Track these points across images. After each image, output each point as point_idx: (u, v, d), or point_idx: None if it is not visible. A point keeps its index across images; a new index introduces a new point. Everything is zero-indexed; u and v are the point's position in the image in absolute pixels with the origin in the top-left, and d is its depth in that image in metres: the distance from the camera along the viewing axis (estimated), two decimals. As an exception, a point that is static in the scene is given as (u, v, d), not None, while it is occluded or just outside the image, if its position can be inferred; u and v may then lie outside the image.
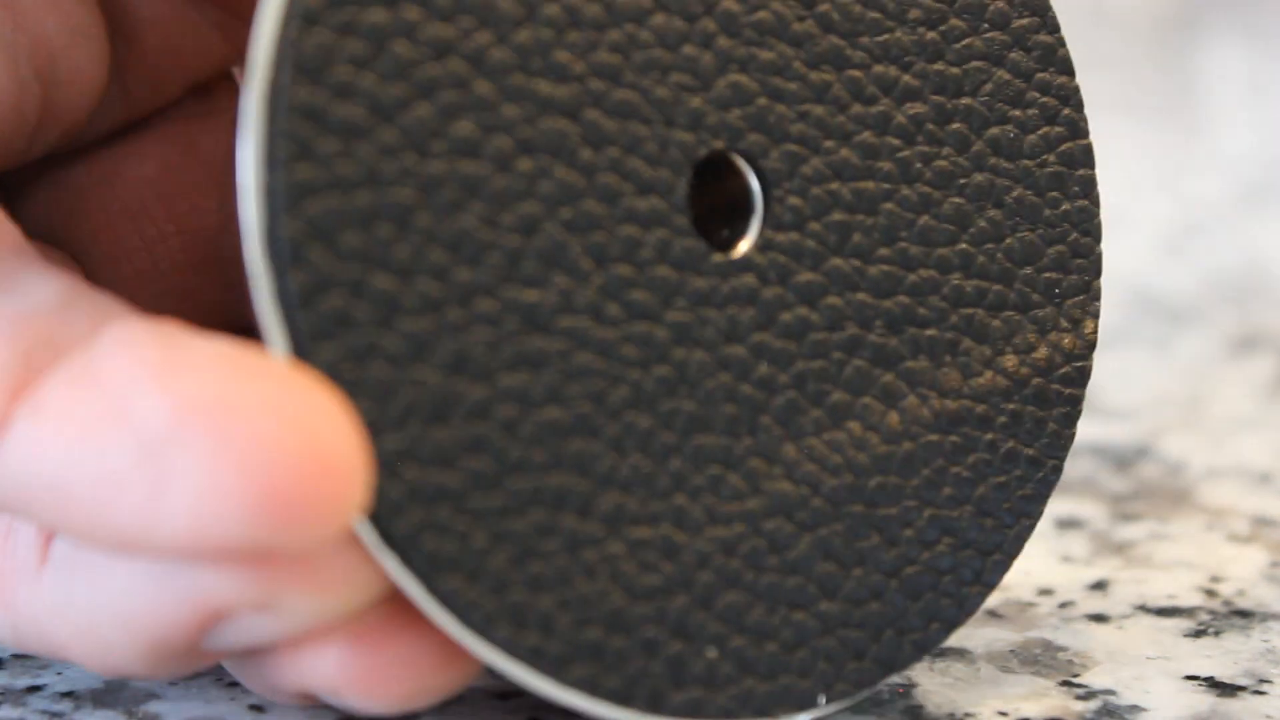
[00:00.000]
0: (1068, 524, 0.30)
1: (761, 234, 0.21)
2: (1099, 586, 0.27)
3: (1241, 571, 0.28)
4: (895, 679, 0.23)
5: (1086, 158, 0.23)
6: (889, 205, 0.22)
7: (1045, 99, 0.23)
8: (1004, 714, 0.23)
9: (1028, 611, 0.26)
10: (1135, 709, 0.23)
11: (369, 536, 0.19)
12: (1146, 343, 0.43)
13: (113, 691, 0.23)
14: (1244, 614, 0.26)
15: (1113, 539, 0.29)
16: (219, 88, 0.25)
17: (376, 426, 0.19)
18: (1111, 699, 0.23)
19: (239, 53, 0.24)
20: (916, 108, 0.22)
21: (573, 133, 0.20)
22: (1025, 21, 0.23)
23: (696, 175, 0.21)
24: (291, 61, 0.18)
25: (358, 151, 0.19)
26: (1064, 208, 0.23)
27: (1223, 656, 0.24)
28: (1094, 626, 0.25)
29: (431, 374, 0.19)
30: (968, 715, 0.22)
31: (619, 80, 0.20)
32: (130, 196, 0.24)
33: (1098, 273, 0.23)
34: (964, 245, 0.22)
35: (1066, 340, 0.23)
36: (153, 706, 0.22)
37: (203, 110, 0.25)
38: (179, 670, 0.20)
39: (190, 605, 0.19)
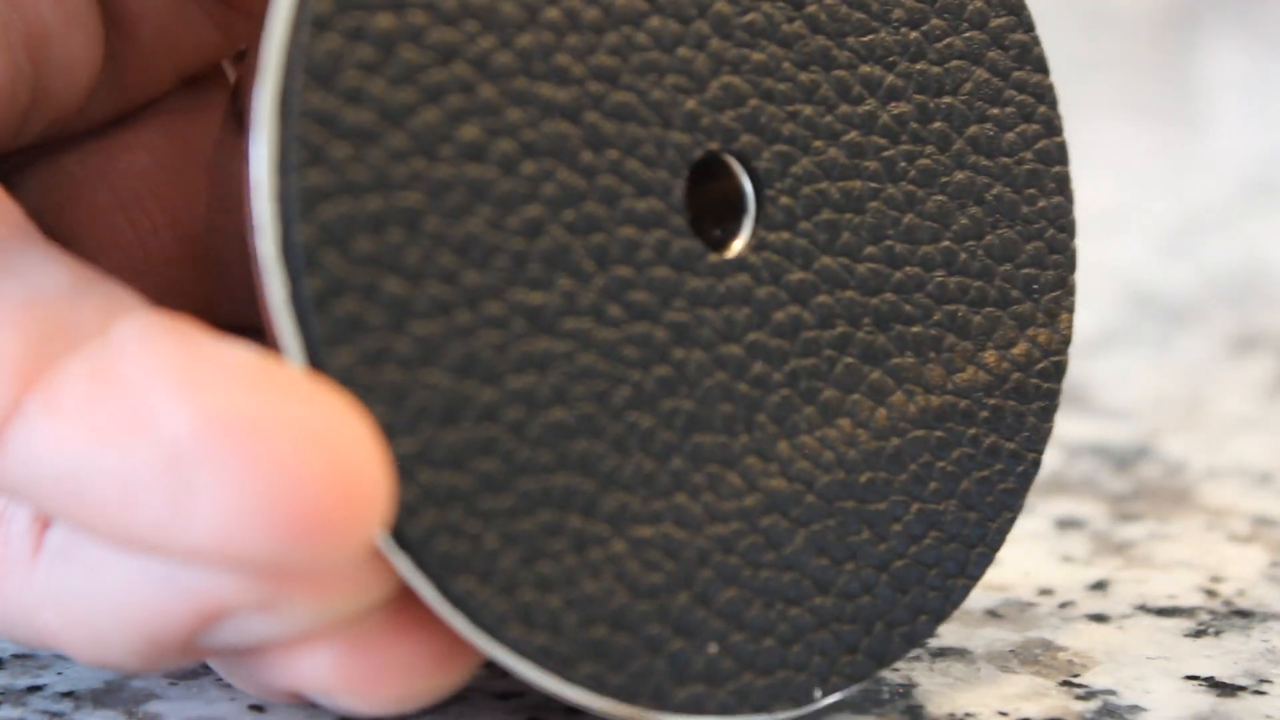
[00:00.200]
0: (1068, 524, 0.30)
1: (755, 234, 0.21)
2: (1099, 586, 0.27)
3: (1241, 571, 0.28)
4: (896, 679, 0.23)
5: (1061, 154, 0.24)
6: (875, 204, 0.22)
7: (1022, 97, 0.24)
8: (1004, 714, 0.23)
9: (1028, 611, 0.26)
10: (1135, 709, 0.23)
11: (381, 539, 0.19)
12: (1146, 343, 0.43)
13: (113, 691, 0.23)
14: (1244, 614, 0.26)
15: (1113, 539, 0.29)
16: (210, 80, 0.25)
17: (391, 430, 0.19)
18: (1111, 699, 0.23)
19: (232, 44, 0.24)
20: (900, 107, 0.23)
21: (574, 135, 0.20)
22: (1002, 20, 0.23)
23: (693, 173, 0.21)
24: (303, 67, 0.19)
25: (368, 156, 0.19)
26: (1040, 204, 0.24)
27: (1223, 656, 0.24)
28: (1094, 626, 0.25)
29: (442, 377, 0.19)
30: (968, 715, 0.22)
31: (617, 83, 0.20)
32: (123, 188, 0.24)
33: (1073, 268, 0.24)
34: (947, 243, 0.23)
35: (1043, 335, 0.23)
36: (153, 706, 0.22)
37: (195, 103, 0.25)
38: (169, 665, 0.20)
39: (190, 603, 0.19)
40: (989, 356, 0.23)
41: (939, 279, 0.23)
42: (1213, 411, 0.37)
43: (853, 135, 0.22)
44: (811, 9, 0.22)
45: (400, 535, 0.19)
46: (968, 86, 0.23)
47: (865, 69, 0.22)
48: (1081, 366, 0.40)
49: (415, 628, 0.19)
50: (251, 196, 0.19)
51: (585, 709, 0.20)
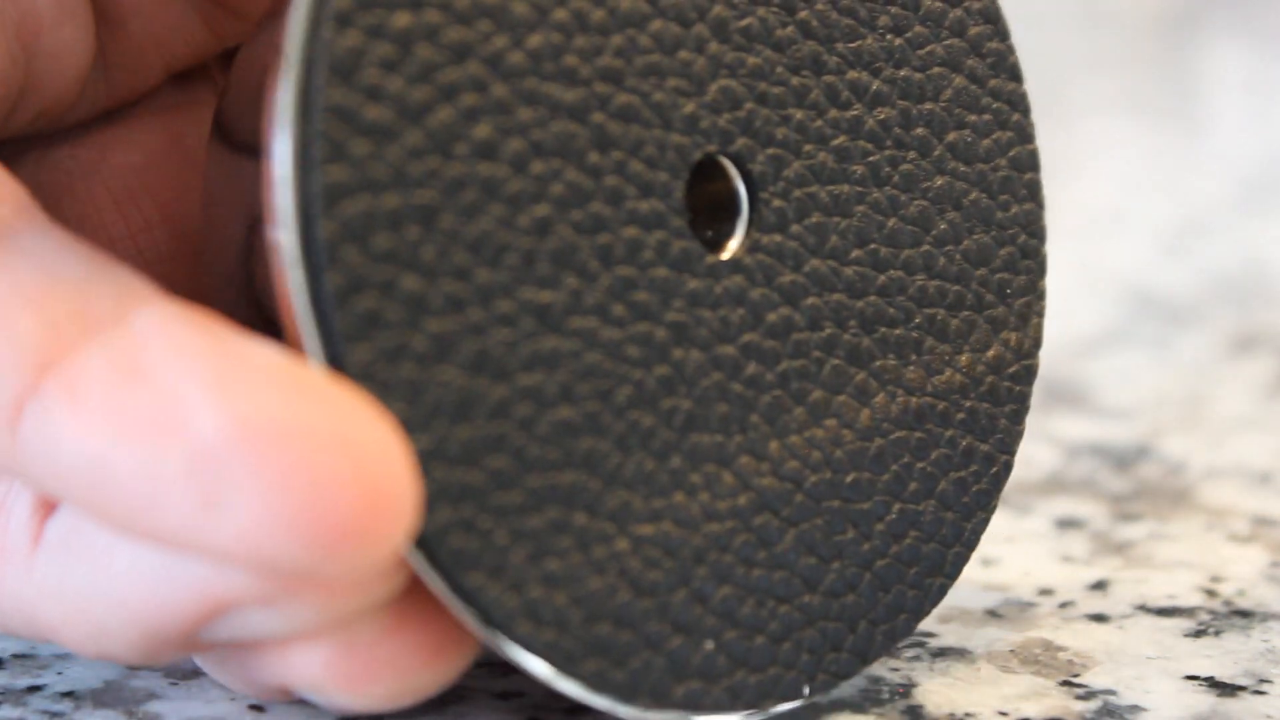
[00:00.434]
0: (1068, 524, 0.30)
1: (749, 236, 0.22)
2: (1099, 586, 0.27)
3: (1241, 571, 0.28)
4: (896, 679, 0.23)
5: (1033, 161, 0.24)
6: (861, 208, 0.23)
7: (998, 104, 0.24)
8: (1004, 714, 0.23)
9: (1028, 611, 0.26)
10: (1135, 709, 0.23)
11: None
12: (1146, 343, 0.43)
13: (113, 691, 0.23)
14: (1244, 614, 0.26)
15: (1113, 539, 0.29)
16: (201, 78, 0.25)
17: (408, 426, 0.19)
18: (1111, 699, 0.23)
19: (220, 42, 0.24)
20: (885, 112, 0.23)
21: (581, 136, 0.20)
22: (980, 29, 0.24)
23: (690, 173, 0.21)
24: (326, 63, 0.19)
25: (387, 153, 0.19)
26: (1013, 210, 0.24)
27: (1223, 656, 0.24)
28: (1094, 626, 0.25)
29: (456, 374, 0.19)
30: (968, 715, 0.22)
31: (622, 84, 0.21)
32: (116, 184, 0.24)
33: (1043, 273, 0.24)
34: (927, 247, 0.23)
35: (1015, 339, 0.24)
36: (153, 706, 0.22)
37: (185, 100, 0.25)
38: (167, 659, 0.20)
39: (194, 597, 0.19)
40: (965, 359, 0.23)
41: (920, 282, 0.23)
42: (1213, 411, 0.37)
43: (841, 139, 0.22)
44: (803, 14, 0.22)
45: (415, 530, 0.19)
46: (948, 93, 0.23)
47: (853, 74, 0.23)
48: (1081, 366, 0.40)
49: (406, 625, 0.19)
50: (274, 191, 0.19)
51: (588, 705, 0.20)
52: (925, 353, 0.23)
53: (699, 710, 0.21)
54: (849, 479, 0.22)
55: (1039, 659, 0.24)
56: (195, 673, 0.23)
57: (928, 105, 0.23)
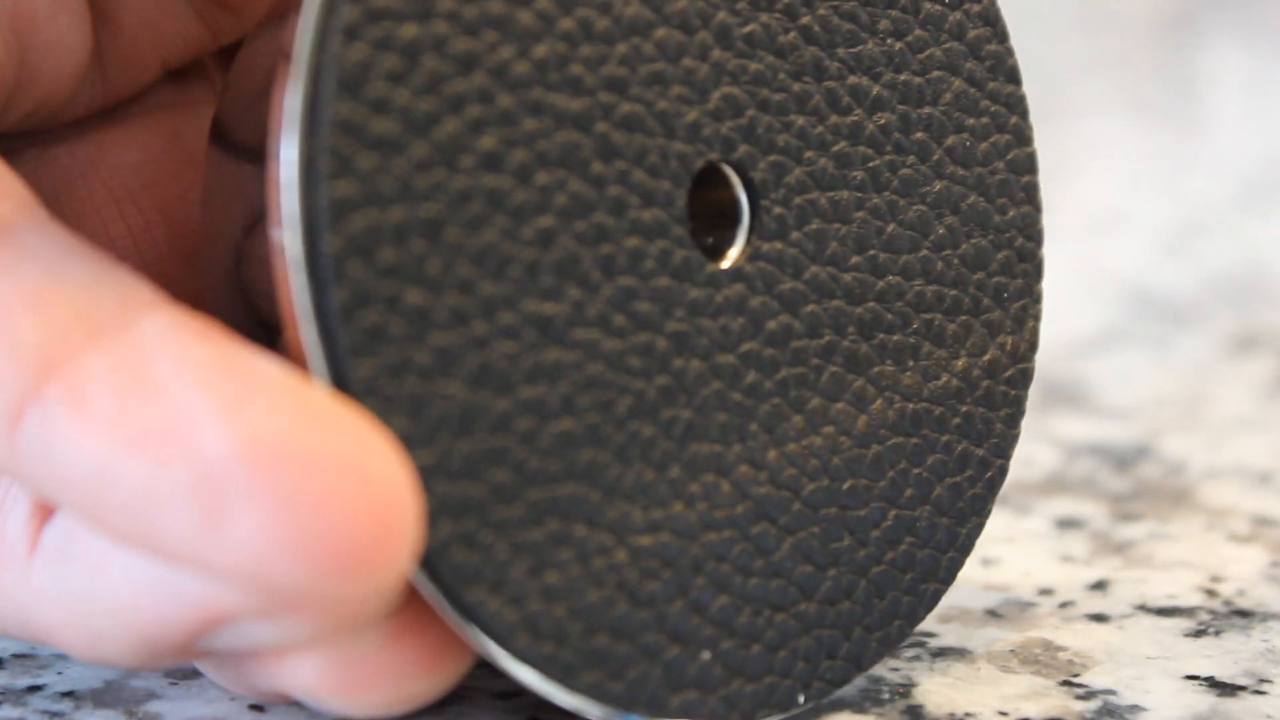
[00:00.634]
0: (1068, 524, 0.30)
1: (750, 243, 0.22)
2: (1099, 586, 0.27)
3: (1241, 571, 0.28)
4: (896, 679, 0.23)
5: (1030, 164, 0.24)
6: (861, 214, 0.23)
7: (996, 107, 0.24)
8: (1004, 714, 0.23)
9: (1028, 611, 0.26)
10: (1135, 709, 0.23)
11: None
12: (1146, 343, 0.43)
13: (113, 691, 0.23)
14: (1244, 614, 0.26)
15: (1113, 539, 0.29)
16: (198, 77, 0.25)
17: (410, 441, 0.19)
18: (1111, 699, 0.23)
19: (216, 39, 0.24)
20: (885, 117, 0.23)
21: (585, 145, 0.20)
22: (979, 32, 0.24)
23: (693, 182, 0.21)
24: (335, 76, 0.19)
25: (393, 166, 0.19)
26: (1010, 214, 0.24)
27: (1223, 656, 0.24)
28: (1094, 626, 0.25)
29: (459, 388, 0.19)
30: (968, 715, 0.22)
31: (626, 93, 0.21)
32: (115, 182, 0.24)
33: (1040, 276, 0.24)
34: (925, 252, 0.23)
35: (1011, 343, 0.24)
36: (153, 706, 0.22)
37: (183, 99, 0.25)
38: (166, 664, 0.20)
39: (191, 609, 0.19)
40: (961, 364, 0.23)
41: (918, 287, 0.23)
42: (1213, 411, 0.37)
43: (841, 145, 0.22)
44: (806, 20, 0.22)
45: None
46: (947, 97, 0.23)
47: (854, 80, 0.22)
48: (1081, 366, 0.40)
49: (403, 635, 0.19)
50: (281, 206, 0.19)
51: (585, 716, 0.20)
52: (922, 358, 0.23)
53: (694, 719, 0.21)
54: (846, 486, 0.22)
55: (1039, 659, 0.24)
56: (195, 673, 0.23)
57: (927, 109, 0.23)
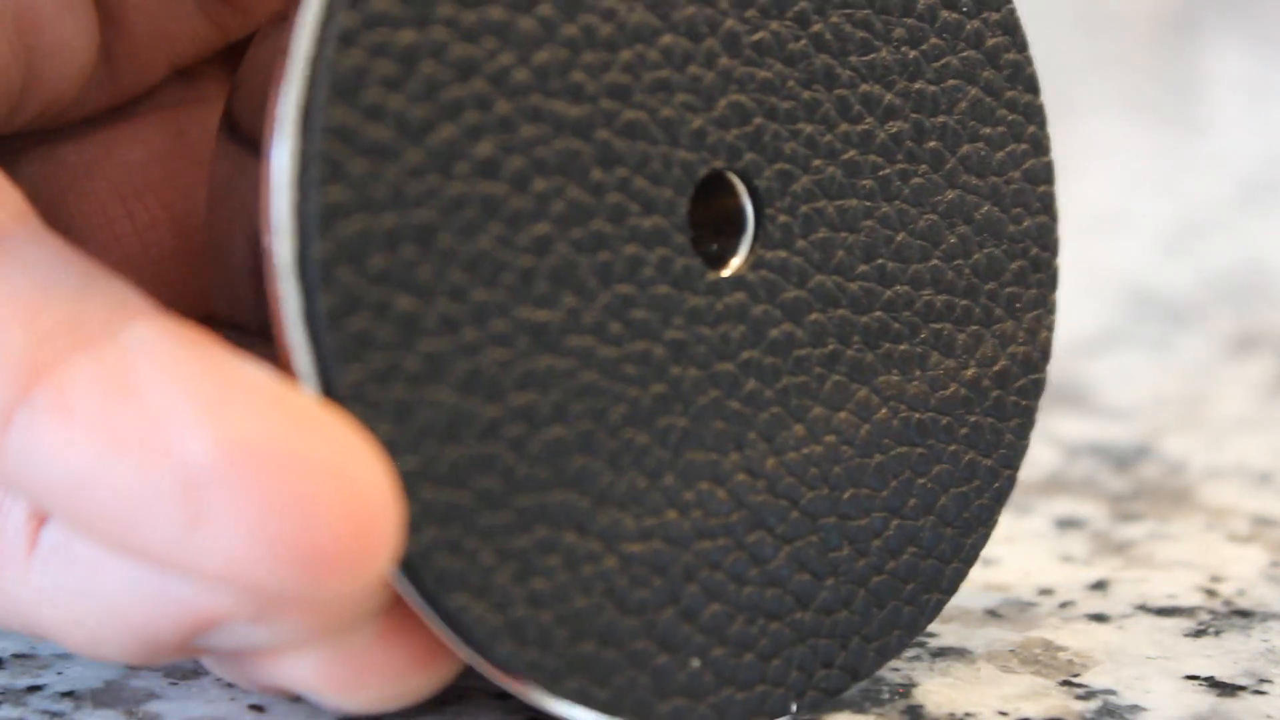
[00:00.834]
0: (1068, 524, 0.30)
1: (753, 252, 0.22)
2: (1099, 586, 0.27)
3: (1241, 571, 0.28)
4: (896, 679, 0.23)
5: (1048, 174, 0.24)
6: (869, 222, 0.22)
7: (1013, 116, 0.24)
8: (1004, 714, 0.23)
9: (1028, 611, 0.26)
10: (1135, 709, 0.23)
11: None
12: (1146, 343, 0.43)
13: (113, 691, 0.23)
14: (1244, 614, 0.26)
15: (1113, 539, 0.29)
16: (204, 74, 0.25)
17: (395, 447, 0.19)
18: (1111, 699, 0.23)
19: (224, 37, 0.24)
20: (898, 125, 0.23)
21: (585, 153, 0.20)
22: (997, 40, 0.24)
23: (694, 193, 0.21)
24: (328, 82, 0.19)
25: (386, 173, 0.19)
26: (1025, 224, 0.24)
27: (1223, 656, 0.24)
28: (1094, 626, 0.25)
29: (447, 394, 0.19)
30: (968, 715, 0.22)
31: (629, 100, 0.21)
32: (122, 179, 0.24)
33: (1054, 287, 0.24)
34: (936, 261, 0.23)
35: (1023, 353, 0.24)
36: (153, 706, 0.22)
37: (190, 97, 0.25)
38: (165, 661, 0.20)
39: (183, 611, 0.19)
40: (971, 374, 0.23)
41: (927, 297, 0.23)
42: (1213, 411, 0.37)
43: (851, 154, 0.22)
44: (817, 27, 0.22)
45: (400, 551, 0.19)
46: (962, 106, 0.23)
47: (866, 88, 0.22)
48: (1081, 366, 0.40)
49: (398, 631, 0.20)
50: (271, 210, 0.19)
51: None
52: (930, 368, 0.23)
53: None
54: (847, 495, 0.22)
55: (1039, 659, 0.24)
56: (195, 673, 0.23)
57: (941, 118, 0.23)
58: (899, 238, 0.23)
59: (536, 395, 0.20)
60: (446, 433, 0.19)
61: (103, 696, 0.22)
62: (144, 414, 0.18)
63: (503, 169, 0.20)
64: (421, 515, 0.19)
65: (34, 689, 0.23)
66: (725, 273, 0.21)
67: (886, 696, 0.23)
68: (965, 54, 0.23)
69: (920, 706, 0.23)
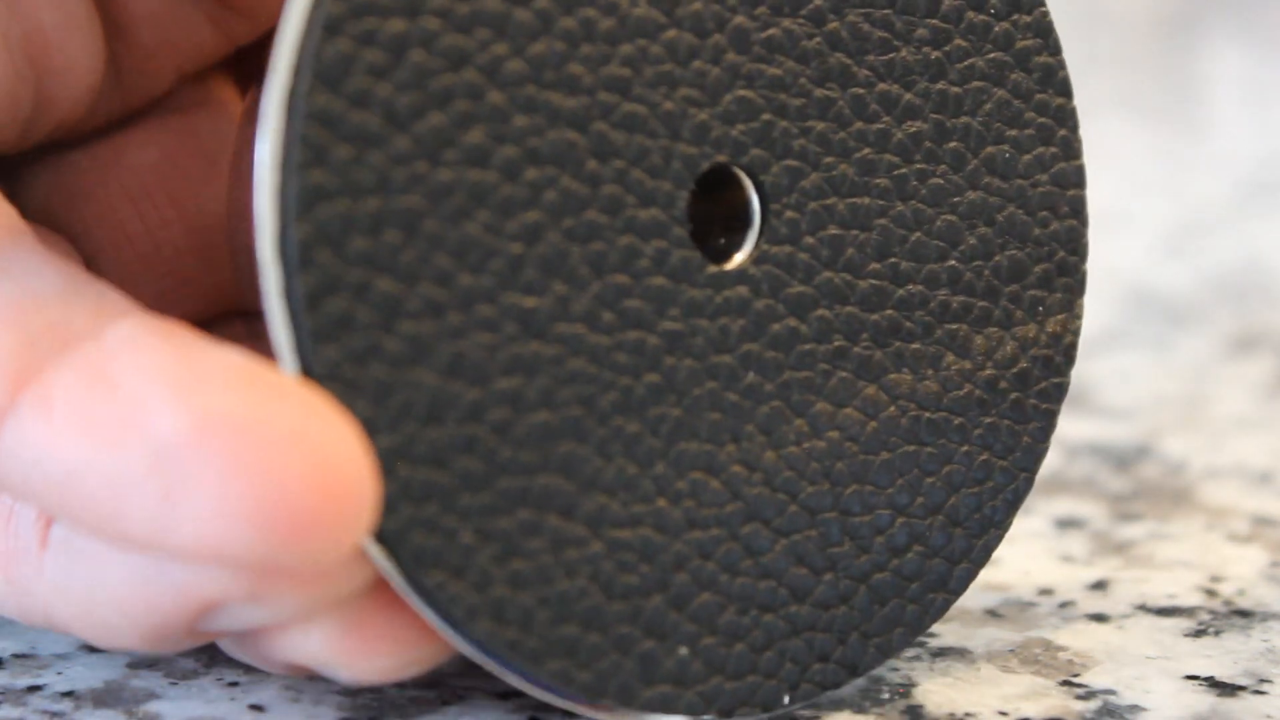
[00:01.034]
0: (1068, 524, 0.30)
1: (757, 246, 0.22)
2: (1099, 586, 0.27)
3: (1241, 571, 0.28)
4: (896, 679, 0.23)
5: (1079, 178, 0.24)
6: (883, 221, 0.22)
7: (1042, 119, 0.23)
8: (1004, 714, 0.23)
9: (1028, 611, 0.26)
10: (1135, 709, 0.23)
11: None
12: (1146, 343, 0.43)
13: (113, 691, 0.23)
14: (1244, 614, 0.26)
15: (1113, 539, 0.29)
16: (214, 77, 0.25)
17: (372, 426, 0.19)
18: (1111, 699, 0.23)
19: (230, 43, 0.24)
20: (916, 125, 0.23)
21: (581, 144, 0.20)
22: (1028, 43, 0.23)
23: (699, 183, 0.21)
24: (311, 69, 0.19)
25: (370, 159, 0.19)
26: (1053, 227, 0.24)
27: (1223, 656, 0.24)
28: (1094, 626, 0.25)
29: (429, 376, 0.19)
30: (968, 715, 0.22)
31: (629, 94, 0.21)
32: (132, 181, 0.24)
33: (1081, 291, 0.24)
34: (953, 262, 0.23)
35: (1045, 355, 0.23)
36: (153, 706, 0.22)
37: (200, 99, 0.25)
38: (179, 648, 0.20)
39: (182, 596, 0.19)
40: (988, 375, 0.23)
41: (943, 297, 0.23)
42: (1213, 411, 0.37)
43: (866, 152, 0.22)
44: (833, 26, 0.22)
45: (376, 528, 0.19)
46: (987, 107, 0.23)
47: (883, 87, 0.22)
48: (1082, 366, 0.40)
49: (404, 602, 0.20)
50: (254, 193, 0.19)
51: (551, 704, 0.20)
52: (944, 368, 0.23)
53: (669, 713, 0.21)
54: (849, 491, 0.22)
55: (1039, 659, 0.24)
56: (195, 673, 0.23)
57: (964, 119, 0.23)
58: (914, 237, 0.23)
59: (523, 380, 0.20)
60: (427, 414, 0.19)
61: (103, 696, 0.22)
62: (118, 400, 0.18)
63: (493, 157, 0.20)
64: (399, 493, 0.19)
65: (34, 689, 0.23)
66: (728, 267, 0.21)
67: (886, 696, 0.23)
68: (992, 56, 0.23)
69: (920, 706, 0.23)
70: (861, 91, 0.22)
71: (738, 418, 0.21)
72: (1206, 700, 0.23)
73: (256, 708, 0.22)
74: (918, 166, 0.23)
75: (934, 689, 0.23)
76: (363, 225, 0.19)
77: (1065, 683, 0.23)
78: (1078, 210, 0.24)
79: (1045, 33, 0.23)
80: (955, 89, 0.23)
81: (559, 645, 0.20)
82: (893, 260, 0.22)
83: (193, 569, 0.19)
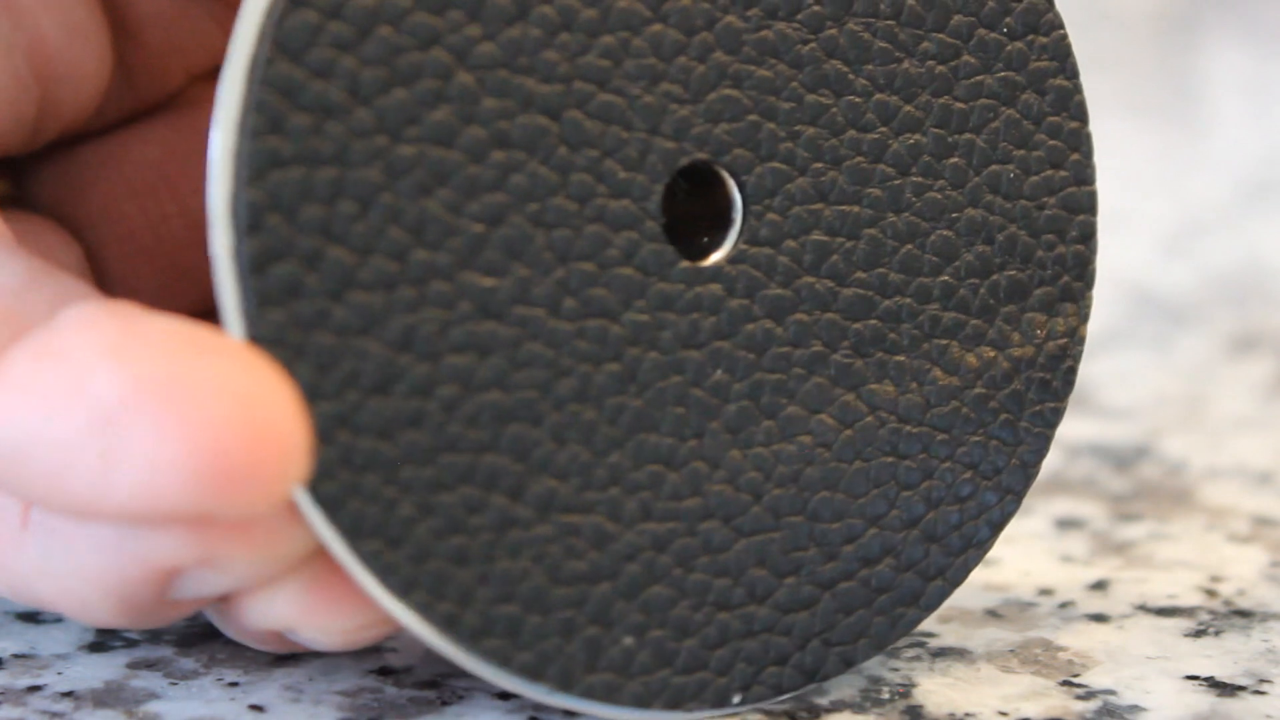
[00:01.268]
0: (1068, 524, 0.30)
1: (735, 246, 0.22)
2: (1099, 586, 0.27)
3: (1241, 571, 0.28)
4: (896, 679, 0.23)
5: (1090, 203, 0.24)
6: (872, 231, 0.22)
7: (1054, 142, 0.23)
8: (1004, 714, 0.23)
9: (1028, 611, 0.26)
10: (1135, 709, 0.23)
11: (300, 496, 0.19)
12: (1146, 343, 0.43)
13: (113, 691, 0.23)
14: (1244, 614, 0.26)
15: (1113, 539, 0.29)
16: (220, 75, 0.26)
17: (314, 391, 0.19)
18: (1111, 699, 0.23)
19: None
20: (915, 138, 0.22)
21: (553, 131, 0.20)
22: (1043, 65, 0.23)
23: (690, 182, 0.21)
24: (273, 38, 0.19)
25: (329, 130, 0.19)
26: (1059, 250, 0.23)
27: (1223, 656, 0.24)
28: (1094, 626, 0.25)
29: (377, 347, 0.19)
30: (968, 715, 0.22)
31: (606, 85, 0.21)
32: (136, 176, 0.25)
33: (1085, 319, 0.24)
34: (946, 278, 0.23)
35: (1041, 379, 0.23)
36: (153, 706, 0.22)
37: (206, 96, 0.25)
38: (156, 622, 0.21)
39: (142, 565, 0.19)
40: (978, 393, 0.23)
41: (933, 312, 0.23)
42: (1213, 411, 0.37)
43: (858, 161, 0.22)
44: (830, 32, 0.22)
45: (315, 493, 0.19)
46: (994, 126, 0.23)
47: (881, 97, 0.22)
48: (1082, 367, 0.40)
49: None
50: (209, 157, 0.19)
51: (489, 683, 0.20)
52: (929, 382, 0.23)
53: (610, 702, 0.21)
54: (818, 496, 0.22)
55: (1039, 659, 0.24)
56: (195, 673, 0.23)
57: (967, 136, 0.23)
58: (905, 249, 0.22)
59: (475, 359, 0.20)
60: (373, 384, 0.19)
61: (103, 696, 0.22)
62: (62, 372, 0.18)
63: (460, 138, 0.20)
64: (339, 460, 0.19)
65: (34, 689, 0.23)
66: (704, 263, 0.21)
67: (886, 696, 0.23)
68: (1003, 74, 0.23)
69: (920, 706, 0.23)
70: (857, 100, 0.22)
71: (702, 414, 0.21)
72: (1206, 700, 0.23)
73: (256, 708, 0.22)
74: (914, 179, 0.22)
75: (934, 689, 0.23)
76: (318, 194, 0.19)
77: (1065, 683, 0.23)
78: (1087, 236, 0.23)
79: (1063, 56, 0.23)
80: (960, 104, 0.23)
81: (498, 624, 0.20)
82: (881, 271, 0.22)
83: (148, 536, 0.19)
